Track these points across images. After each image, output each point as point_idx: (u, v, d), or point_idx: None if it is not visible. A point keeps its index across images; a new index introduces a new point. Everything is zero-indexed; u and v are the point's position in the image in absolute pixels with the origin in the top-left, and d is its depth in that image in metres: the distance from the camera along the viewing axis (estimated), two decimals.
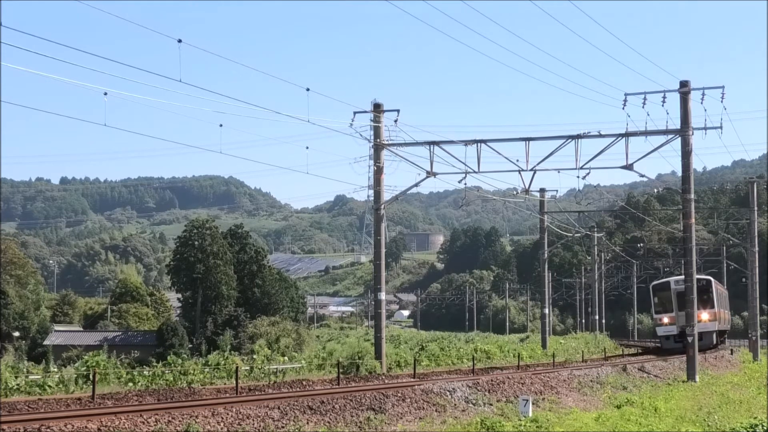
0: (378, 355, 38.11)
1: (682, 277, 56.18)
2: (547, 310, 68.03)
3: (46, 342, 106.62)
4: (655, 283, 65.37)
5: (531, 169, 39.81)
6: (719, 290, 64.63)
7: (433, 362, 46.47)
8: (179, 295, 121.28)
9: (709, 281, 61.12)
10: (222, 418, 16.97)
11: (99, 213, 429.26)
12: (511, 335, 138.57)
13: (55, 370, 41.42)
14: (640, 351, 71.85)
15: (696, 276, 56.29)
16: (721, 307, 63.99)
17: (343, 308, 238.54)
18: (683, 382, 37.30)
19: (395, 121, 38.63)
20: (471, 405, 23.46)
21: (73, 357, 75.50)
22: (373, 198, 40.28)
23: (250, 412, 17.71)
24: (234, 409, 17.61)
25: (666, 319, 59.68)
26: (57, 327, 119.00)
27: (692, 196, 39.06)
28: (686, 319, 42.08)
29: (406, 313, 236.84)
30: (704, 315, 57.57)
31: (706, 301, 58.47)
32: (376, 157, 38.93)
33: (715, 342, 61.47)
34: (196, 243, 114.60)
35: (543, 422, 21.92)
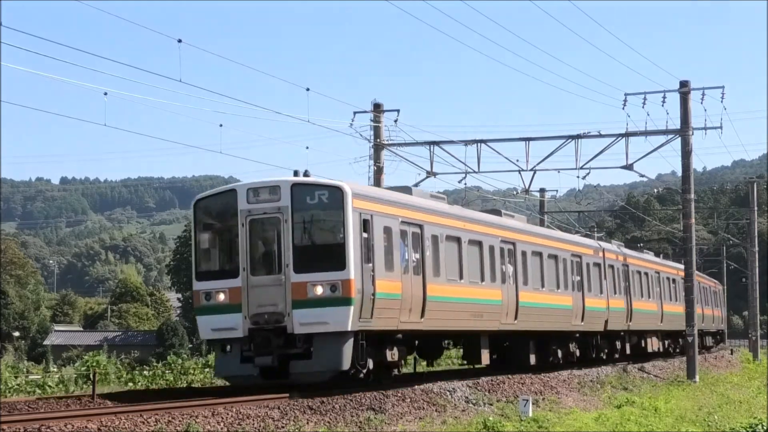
0: None
1: (265, 180, 22.72)
2: None
3: (46, 342, 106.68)
4: (200, 198, 24.06)
5: (531, 169, 39.91)
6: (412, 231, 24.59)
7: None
8: (179, 295, 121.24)
9: (338, 192, 22.07)
10: (222, 418, 16.98)
11: (99, 213, 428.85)
12: None
13: (55, 370, 41.58)
14: None
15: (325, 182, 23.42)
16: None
17: None
18: (683, 382, 37.31)
19: (395, 121, 38.73)
20: (471, 405, 23.48)
21: (73, 357, 75.61)
22: None
23: (250, 412, 17.73)
24: (234, 409, 17.63)
25: (222, 296, 22.47)
26: (57, 327, 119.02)
27: (692, 196, 39.05)
28: (687, 319, 38.91)
29: None
30: (318, 289, 21.76)
31: (333, 257, 21.98)
32: (376, 157, 38.98)
33: (346, 366, 21.75)
34: None
35: (543, 422, 21.95)
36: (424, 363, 31.88)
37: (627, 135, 38.60)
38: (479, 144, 39.56)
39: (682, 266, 53.78)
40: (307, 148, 44.66)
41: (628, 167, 39.47)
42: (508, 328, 29.45)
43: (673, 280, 48.50)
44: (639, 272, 42.44)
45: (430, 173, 40.11)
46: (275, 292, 22.00)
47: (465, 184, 40.99)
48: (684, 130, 38.15)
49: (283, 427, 17.57)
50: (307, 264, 22.02)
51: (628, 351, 41.23)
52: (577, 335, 35.47)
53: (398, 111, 38.86)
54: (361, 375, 22.31)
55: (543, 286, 31.93)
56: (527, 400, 23.36)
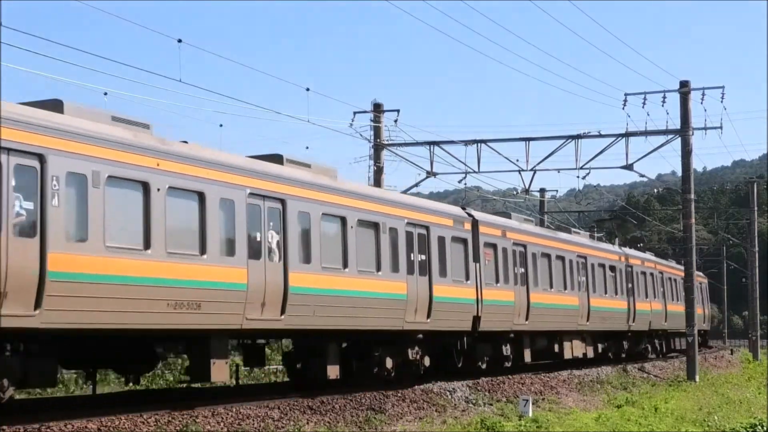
0: None
1: None
2: None
3: None
4: None
5: (531, 169, 40.03)
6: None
7: None
8: None
9: None
10: (222, 418, 16.98)
11: None
12: None
13: None
14: None
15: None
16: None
17: None
18: (683, 382, 37.34)
19: (395, 121, 38.83)
20: (471, 405, 23.49)
21: None
22: None
23: (250, 412, 17.73)
24: (234, 409, 17.63)
25: None
26: None
27: (692, 196, 39.07)
28: (687, 319, 38.95)
29: None
30: None
31: None
32: (376, 157, 39.02)
33: None
34: None
35: (543, 422, 21.95)
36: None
37: (627, 135, 38.67)
38: (479, 144, 39.66)
39: (620, 250, 42.85)
40: (307, 148, 44.80)
41: (628, 167, 39.52)
42: (267, 327, 19.78)
43: (612, 267, 39.20)
44: (548, 255, 32.58)
45: (430, 173, 40.20)
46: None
47: (465, 184, 41.15)
48: (684, 130, 38.17)
49: (283, 427, 17.58)
50: None
51: (527, 358, 31.60)
52: (420, 336, 25.18)
53: (398, 111, 38.95)
54: None
55: (346, 266, 21.76)
56: (527, 400, 23.38)
